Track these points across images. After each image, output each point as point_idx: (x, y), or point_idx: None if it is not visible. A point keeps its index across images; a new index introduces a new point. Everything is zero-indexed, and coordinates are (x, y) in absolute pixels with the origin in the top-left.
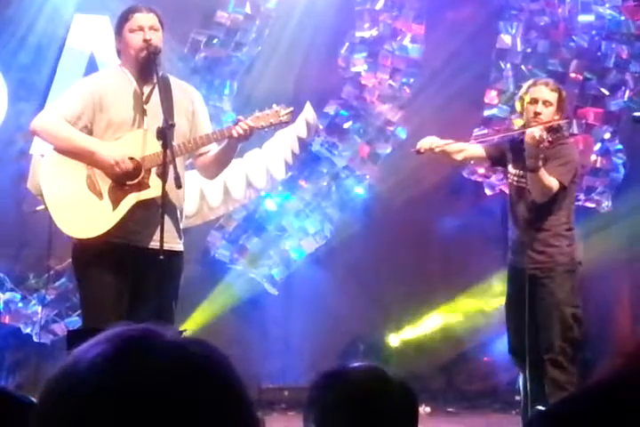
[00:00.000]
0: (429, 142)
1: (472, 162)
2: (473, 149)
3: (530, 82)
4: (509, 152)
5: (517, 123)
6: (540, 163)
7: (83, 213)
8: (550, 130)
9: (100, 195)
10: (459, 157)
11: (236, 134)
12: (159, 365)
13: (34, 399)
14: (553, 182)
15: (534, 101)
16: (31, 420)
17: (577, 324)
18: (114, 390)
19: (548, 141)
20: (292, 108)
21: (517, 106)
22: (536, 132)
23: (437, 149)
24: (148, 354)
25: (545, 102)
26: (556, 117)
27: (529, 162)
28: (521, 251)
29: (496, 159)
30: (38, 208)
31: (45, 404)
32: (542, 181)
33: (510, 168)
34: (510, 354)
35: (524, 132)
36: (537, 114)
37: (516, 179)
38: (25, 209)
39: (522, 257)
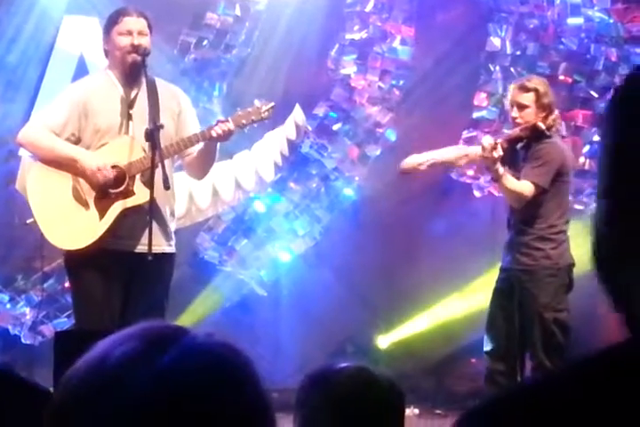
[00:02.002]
0: (412, 162)
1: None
2: (473, 151)
3: (511, 84)
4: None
5: None
6: (501, 171)
7: (70, 224)
8: (532, 130)
9: (86, 205)
10: (462, 162)
11: (215, 135)
12: (190, 365)
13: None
14: (525, 187)
15: (511, 106)
16: (47, 415)
17: (560, 329)
18: (143, 389)
19: (515, 144)
20: (272, 104)
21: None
22: (485, 141)
23: (424, 166)
24: (178, 353)
25: (520, 106)
26: (542, 115)
27: (490, 173)
28: (509, 252)
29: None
30: (29, 221)
31: (67, 400)
32: (509, 188)
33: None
34: (486, 355)
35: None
36: (513, 119)
37: None
38: (17, 222)
39: (509, 257)
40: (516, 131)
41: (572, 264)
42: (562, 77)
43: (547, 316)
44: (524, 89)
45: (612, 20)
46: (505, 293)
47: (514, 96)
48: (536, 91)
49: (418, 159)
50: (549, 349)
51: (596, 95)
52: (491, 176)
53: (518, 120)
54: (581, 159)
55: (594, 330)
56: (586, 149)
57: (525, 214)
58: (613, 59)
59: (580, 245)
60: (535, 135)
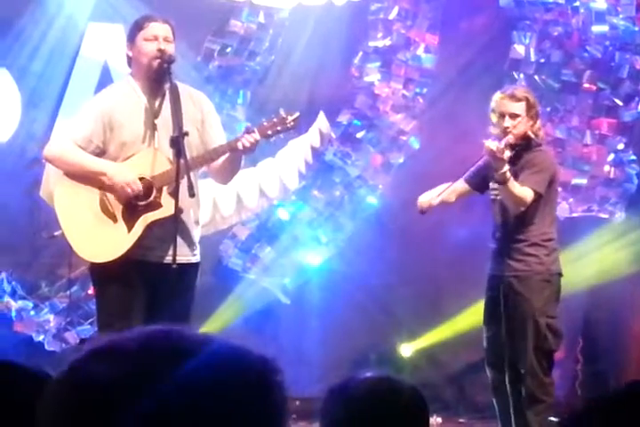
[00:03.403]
0: (427, 201)
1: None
2: (459, 185)
3: (497, 94)
4: (488, 169)
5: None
6: (508, 174)
7: (99, 237)
8: (524, 138)
9: (114, 218)
10: (453, 198)
11: (241, 147)
12: (213, 370)
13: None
14: (526, 192)
15: (502, 116)
16: (39, 413)
17: (552, 334)
18: (164, 391)
19: (511, 150)
20: (298, 113)
21: (492, 118)
22: (491, 145)
23: (436, 202)
24: (203, 358)
25: (512, 116)
26: (530, 124)
27: (496, 175)
28: (499, 259)
29: (480, 186)
30: (56, 233)
31: (56, 395)
32: (513, 192)
33: (490, 184)
34: (488, 366)
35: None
36: (506, 128)
37: (495, 193)
38: (44, 235)
39: (500, 265)
40: (512, 138)
41: (561, 274)
42: (586, 85)
43: (540, 320)
44: (515, 98)
45: (636, 28)
46: (497, 301)
47: (503, 106)
48: (527, 100)
49: (428, 198)
50: (540, 353)
51: (620, 103)
52: (498, 179)
53: (511, 130)
54: (606, 168)
55: (618, 334)
56: (610, 157)
57: (517, 222)
58: (638, 67)
59: (605, 254)
60: (525, 144)
